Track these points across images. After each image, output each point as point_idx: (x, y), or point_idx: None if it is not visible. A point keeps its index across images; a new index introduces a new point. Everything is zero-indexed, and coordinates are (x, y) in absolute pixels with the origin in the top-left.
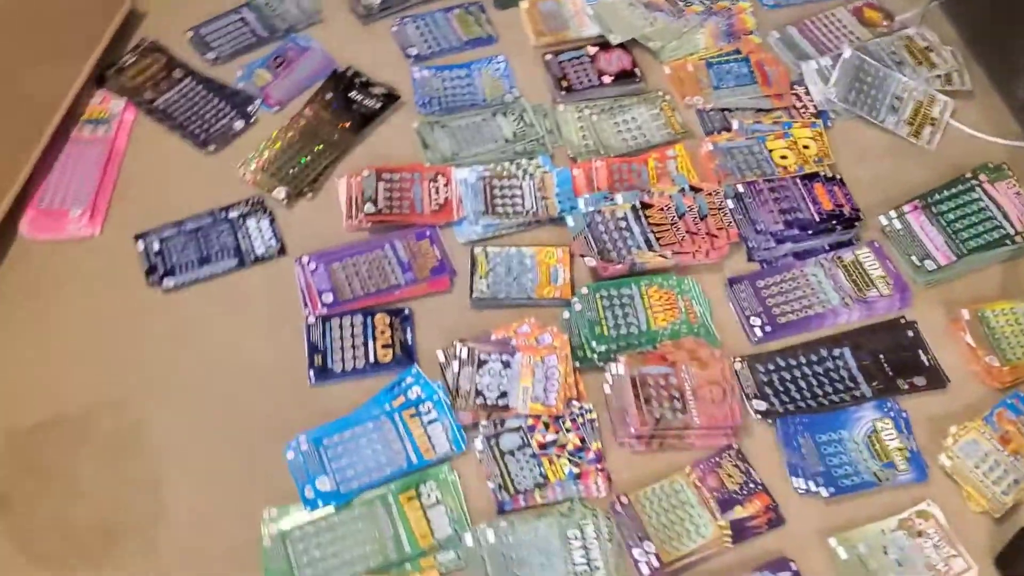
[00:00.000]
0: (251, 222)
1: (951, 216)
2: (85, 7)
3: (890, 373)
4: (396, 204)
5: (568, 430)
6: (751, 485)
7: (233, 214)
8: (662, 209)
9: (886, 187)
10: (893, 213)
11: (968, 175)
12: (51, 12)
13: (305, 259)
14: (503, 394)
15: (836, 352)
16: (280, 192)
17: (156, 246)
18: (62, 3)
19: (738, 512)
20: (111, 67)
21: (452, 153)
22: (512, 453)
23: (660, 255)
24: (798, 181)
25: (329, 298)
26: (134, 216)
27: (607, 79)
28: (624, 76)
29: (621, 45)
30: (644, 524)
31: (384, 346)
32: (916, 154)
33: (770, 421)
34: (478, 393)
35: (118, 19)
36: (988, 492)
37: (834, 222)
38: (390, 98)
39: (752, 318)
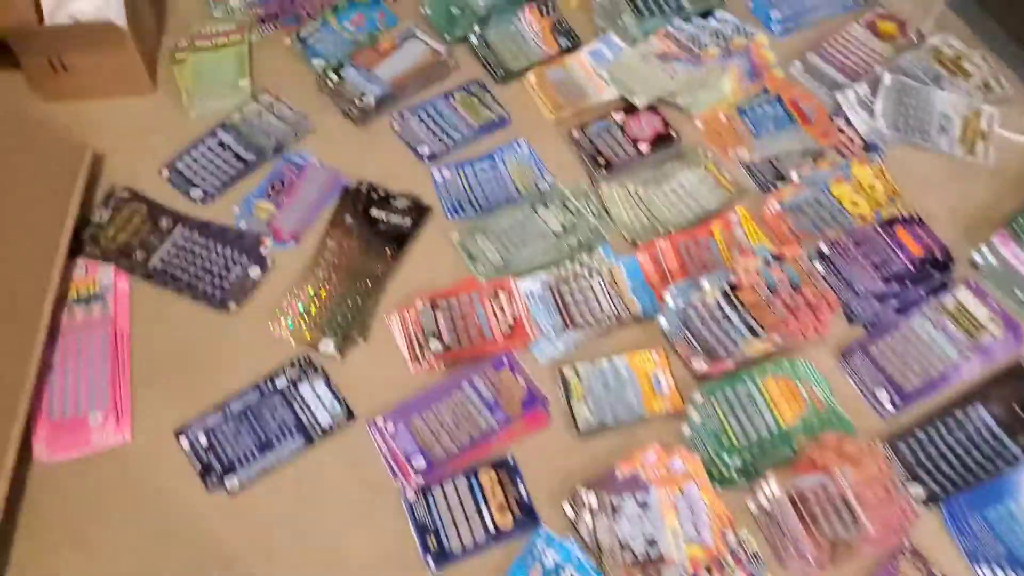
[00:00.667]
0: (304, 388)
1: None
2: (43, 162)
3: None
4: (463, 334)
5: (734, 570)
6: None
7: (281, 383)
8: (753, 288)
9: (960, 215)
10: (986, 249)
11: None
12: (7, 179)
13: (380, 421)
14: (652, 542)
15: (972, 413)
16: (327, 345)
17: (203, 439)
18: (16, 165)
19: None
20: (84, 228)
21: (503, 261)
22: None
23: (770, 341)
24: (878, 228)
25: (421, 462)
26: (166, 407)
27: (644, 147)
28: (661, 140)
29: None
30: None
31: (500, 508)
32: (976, 173)
33: (934, 506)
34: (623, 546)
35: (85, 168)
36: None
37: (928, 267)
38: (419, 210)
39: (878, 391)
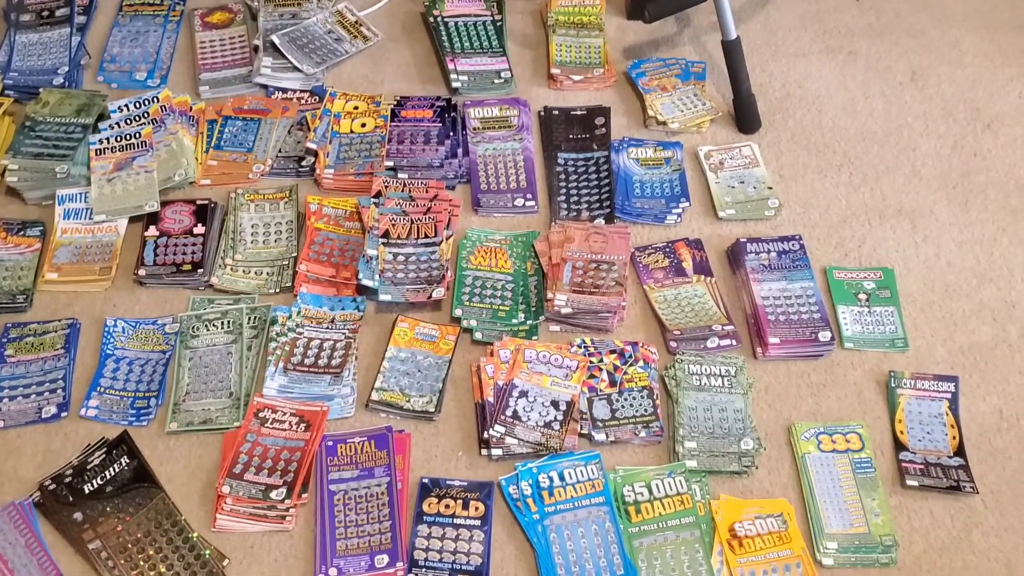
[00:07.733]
0: None
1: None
2: None
3: None
4: (283, 465)
5: (603, 358)
6: None
7: None
8: (392, 225)
9: (413, 77)
10: (453, 75)
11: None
12: None
13: None
14: (555, 403)
15: (560, 159)
16: None
17: None
18: None
19: None
20: None
21: (230, 395)
22: None
23: (445, 238)
24: (395, 123)
25: (384, 560)
26: None
27: (198, 228)
28: (201, 212)
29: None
30: None
31: (463, 508)
32: (384, 47)
33: (614, 220)
34: (547, 424)
35: None
36: None
37: (446, 115)
38: (119, 445)
39: (515, 201)
